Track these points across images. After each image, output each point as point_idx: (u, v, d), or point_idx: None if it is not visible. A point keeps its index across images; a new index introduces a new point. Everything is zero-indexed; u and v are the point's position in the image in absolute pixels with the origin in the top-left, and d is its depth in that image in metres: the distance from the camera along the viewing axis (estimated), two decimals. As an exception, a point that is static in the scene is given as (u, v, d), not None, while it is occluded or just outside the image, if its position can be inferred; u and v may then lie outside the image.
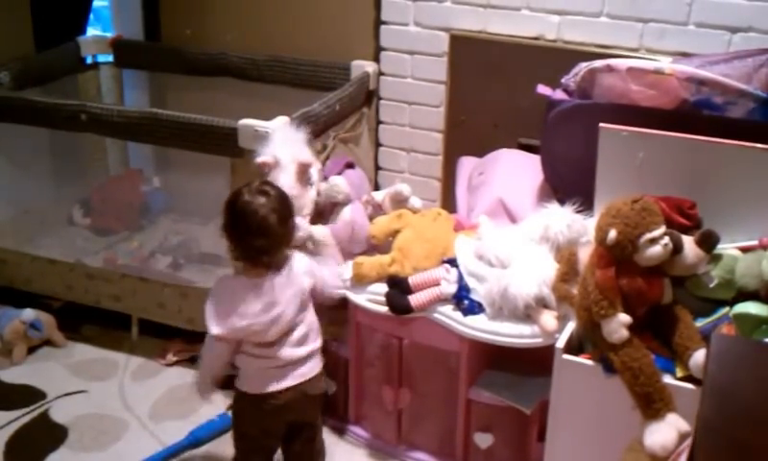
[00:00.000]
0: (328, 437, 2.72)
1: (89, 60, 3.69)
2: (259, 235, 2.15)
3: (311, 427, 2.39)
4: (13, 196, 3.31)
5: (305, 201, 2.55)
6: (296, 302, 2.24)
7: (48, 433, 2.73)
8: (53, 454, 2.63)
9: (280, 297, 2.21)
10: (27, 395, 2.90)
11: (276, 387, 2.24)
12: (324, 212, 2.70)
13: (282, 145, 2.52)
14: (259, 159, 2.50)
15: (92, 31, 3.87)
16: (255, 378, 2.26)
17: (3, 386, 2.95)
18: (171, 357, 3.07)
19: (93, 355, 3.13)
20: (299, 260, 2.29)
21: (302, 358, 2.27)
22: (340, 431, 2.74)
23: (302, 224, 2.50)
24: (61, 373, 3.03)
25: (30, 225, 3.36)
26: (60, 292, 3.20)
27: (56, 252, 3.22)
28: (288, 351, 2.24)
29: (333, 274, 2.47)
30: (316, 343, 2.31)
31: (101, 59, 3.71)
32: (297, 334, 2.25)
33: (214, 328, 2.19)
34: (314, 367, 2.30)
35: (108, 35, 3.77)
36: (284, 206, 2.20)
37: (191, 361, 3.06)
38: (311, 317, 2.30)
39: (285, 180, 2.46)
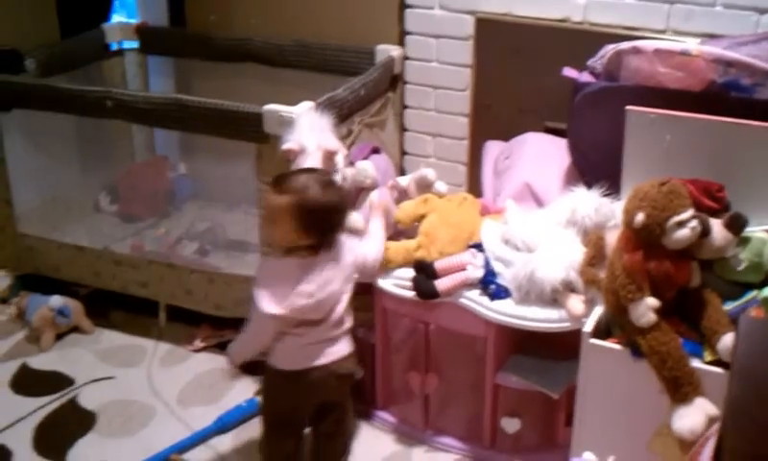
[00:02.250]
0: (355, 422, 2.73)
1: (114, 47, 3.70)
2: (339, 225, 2.27)
3: (341, 407, 2.42)
4: (40, 183, 3.33)
5: None
6: (343, 279, 2.29)
7: (76, 419, 2.75)
8: (81, 440, 2.66)
9: (333, 275, 2.25)
10: (55, 381, 2.93)
11: (311, 364, 2.27)
12: (350, 198, 2.70)
13: (308, 132, 2.52)
14: (285, 146, 2.50)
15: (117, 17, 3.89)
16: (292, 356, 2.28)
17: (32, 373, 2.99)
18: (198, 343, 3.09)
19: (121, 342, 3.15)
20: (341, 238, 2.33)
21: (338, 336, 2.30)
22: (367, 416, 2.75)
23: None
24: (89, 359, 3.05)
25: (57, 212, 3.38)
26: (88, 279, 3.22)
27: (83, 238, 3.25)
28: (328, 330, 2.28)
29: (373, 246, 2.49)
30: (348, 322, 2.34)
31: (126, 45, 3.72)
32: (337, 313, 2.29)
33: (272, 308, 2.20)
34: (346, 346, 2.34)
35: (133, 21, 3.78)
36: (340, 190, 2.29)
37: (218, 347, 3.08)
38: (347, 296, 2.33)
39: (311, 166, 2.46)
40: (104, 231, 3.37)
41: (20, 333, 3.19)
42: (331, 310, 2.27)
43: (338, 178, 2.54)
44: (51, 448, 2.62)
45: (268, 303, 2.20)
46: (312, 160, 2.47)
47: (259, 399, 2.40)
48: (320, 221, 2.21)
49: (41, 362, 3.04)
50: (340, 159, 2.56)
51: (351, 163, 2.71)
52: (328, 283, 2.25)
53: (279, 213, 2.21)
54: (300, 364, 2.28)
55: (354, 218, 2.58)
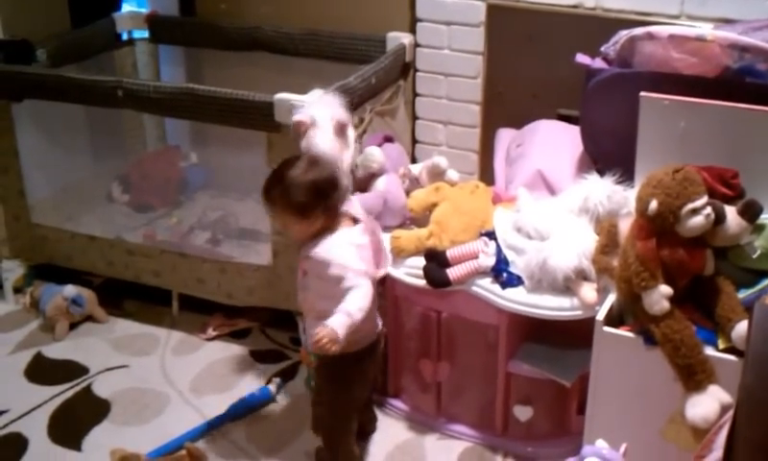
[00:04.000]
0: (367, 410, 2.74)
1: (125, 37, 3.70)
2: (336, 187, 2.22)
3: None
4: (53, 173, 3.34)
5: (344, 158, 2.51)
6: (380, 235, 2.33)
7: (91, 408, 2.77)
8: (96, 428, 2.67)
9: (374, 232, 2.29)
10: (70, 370, 2.95)
11: (378, 330, 2.32)
12: (361, 185, 2.70)
13: (319, 106, 2.51)
14: (296, 118, 2.48)
15: (127, 7, 3.89)
16: (371, 326, 2.29)
17: (46, 362, 3.00)
18: (211, 332, 3.10)
19: (134, 331, 3.16)
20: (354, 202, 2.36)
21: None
22: (379, 404, 2.75)
23: (342, 179, 2.48)
24: (103, 348, 3.07)
25: (69, 202, 3.39)
26: (101, 268, 3.23)
27: (96, 228, 3.26)
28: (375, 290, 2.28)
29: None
30: None
31: (136, 35, 3.72)
32: (389, 259, 2.34)
33: (373, 270, 2.22)
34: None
35: (144, 10, 3.78)
36: (322, 161, 2.27)
37: (231, 336, 3.09)
38: None
39: (323, 137, 2.44)
40: (116, 221, 3.38)
41: (34, 323, 3.20)
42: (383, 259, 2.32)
43: (349, 153, 2.52)
44: (66, 436, 2.64)
45: (364, 268, 2.19)
46: (324, 133, 2.45)
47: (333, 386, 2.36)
48: (321, 198, 2.19)
49: (56, 351, 3.05)
50: (351, 133, 2.54)
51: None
52: (378, 240, 2.30)
53: (283, 218, 2.23)
54: (373, 335, 2.30)
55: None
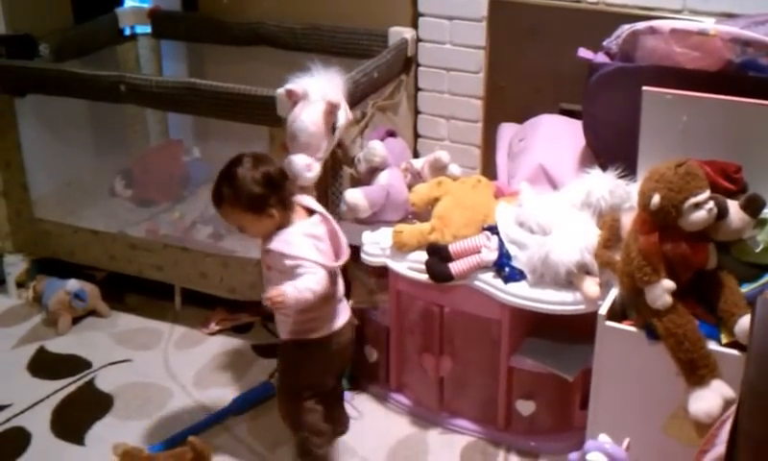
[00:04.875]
0: (370, 404, 2.74)
1: (127, 32, 3.70)
2: (286, 178, 2.23)
3: (348, 364, 2.49)
4: (56, 168, 3.34)
5: (323, 142, 2.49)
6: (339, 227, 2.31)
7: (94, 402, 2.77)
8: (99, 422, 2.68)
9: (330, 221, 2.28)
10: (73, 364, 2.95)
11: (343, 321, 2.31)
12: (363, 180, 2.70)
13: (315, 81, 2.49)
14: (288, 86, 2.47)
15: (130, 2, 3.88)
16: (323, 319, 2.28)
17: (49, 356, 3.01)
18: (214, 326, 3.10)
19: (137, 325, 3.17)
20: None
21: (341, 294, 2.34)
22: (382, 399, 2.75)
23: (314, 166, 2.45)
24: (106, 342, 3.07)
25: (72, 196, 3.40)
26: (104, 262, 3.24)
27: (98, 223, 3.26)
28: (340, 283, 2.31)
29: None
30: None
31: (139, 30, 3.72)
32: (347, 251, 2.30)
33: (328, 262, 2.21)
34: (346, 304, 2.38)
35: (146, 5, 3.77)
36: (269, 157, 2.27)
37: (233, 330, 3.09)
38: None
39: (308, 115, 2.41)
40: (119, 216, 3.38)
41: (37, 317, 3.21)
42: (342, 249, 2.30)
43: (336, 134, 2.52)
44: (69, 430, 2.65)
45: (320, 258, 2.18)
46: (312, 109, 2.43)
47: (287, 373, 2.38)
48: (272, 191, 2.18)
49: (59, 345, 3.06)
50: (341, 116, 2.52)
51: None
52: (335, 231, 2.28)
53: (240, 219, 2.22)
54: (334, 326, 2.29)
55: (355, 196, 2.61)
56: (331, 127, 2.48)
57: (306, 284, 2.14)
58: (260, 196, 2.16)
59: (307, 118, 2.42)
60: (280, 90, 2.64)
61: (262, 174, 2.17)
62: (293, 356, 2.32)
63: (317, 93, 2.45)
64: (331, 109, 2.45)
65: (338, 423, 2.50)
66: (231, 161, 2.22)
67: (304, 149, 2.45)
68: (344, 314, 2.34)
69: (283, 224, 2.22)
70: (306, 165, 2.44)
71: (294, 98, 2.46)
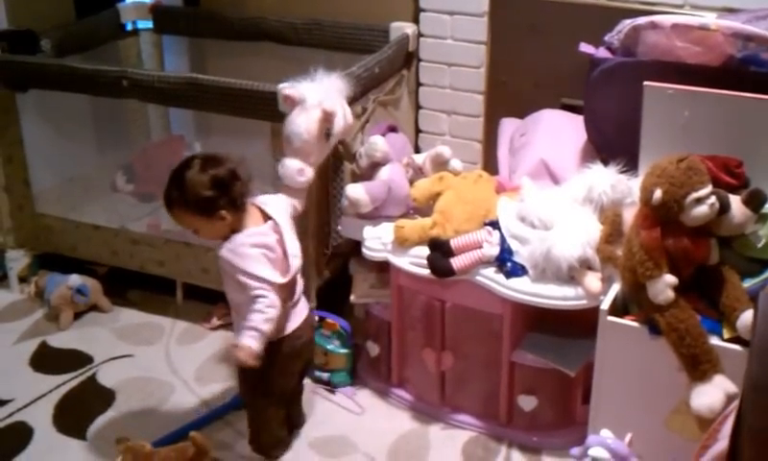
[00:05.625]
0: (371, 400, 2.75)
1: (129, 27, 3.70)
2: (236, 180, 2.21)
3: (310, 364, 2.52)
4: (58, 163, 3.34)
5: (316, 149, 2.49)
6: (292, 227, 2.32)
7: (96, 396, 2.78)
8: (101, 417, 2.68)
9: (283, 227, 2.27)
10: (75, 359, 2.96)
11: (296, 324, 2.32)
12: (365, 175, 2.70)
13: (314, 88, 2.50)
14: (285, 92, 2.48)
15: (132, -3, 3.89)
16: (285, 320, 2.29)
17: (51, 351, 3.01)
18: (215, 321, 3.11)
19: (139, 320, 3.17)
20: (273, 197, 2.36)
21: (300, 294, 2.37)
22: (383, 394, 2.76)
23: (307, 171, 2.46)
24: (108, 337, 3.07)
25: (74, 192, 3.40)
26: (105, 258, 3.24)
27: (100, 218, 3.26)
28: (297, 286, 2.34)
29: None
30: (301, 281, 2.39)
31: (140, 25, 3.72)
32: (294, 267, 2.30)
33: (277, 278, 2.20)
34: (306, 302, 2.41)
35: (148, 1, 3.77)
36: (220, 158, 2.25)
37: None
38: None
39: (303, 121, 2.42)
40: (121, 211, 3.39)
41: (39, 312, 3.21)
42: (290, 265, 2.29)
43: (331, 141, 2.52)
44: (71, 425, 2.65)
45: (270, 274, 2.19)
46: (307, 116, 2.44)
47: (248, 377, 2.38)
48: (221, 192, 2.18)
49: (60, 340, 3.06)
50: (337, 124, 2.52)
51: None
52: (283, 236, 2.27)
53: (191, 222, 2.24)
54: (289, 328, 2.31)
55: (356, 191, 2.60)
56: (326, 133, 2.49)
57: (261, 318, 2.17)
58: (209, 198, 2.17)
59: (302, 124, 2.44)
60: (282, 86, 2.64)
61: (211, 176, 2.18)
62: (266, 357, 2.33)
63: (314, 99, 2.46)
64: (326, 117, 2.46)
65: (295, 420, 2.58)
66: (181, 164, 2.24)
67: (298, 153, 2.47)
68: (299, 316, 2.35)
69: (236, 227, 2.23)
70: (299, 169, 2.45)
71: (290, 103, 2.47)
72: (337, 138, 2.57)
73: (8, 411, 2.70)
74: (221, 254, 2.23)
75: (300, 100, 2.45)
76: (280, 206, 2.35)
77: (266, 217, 2.30)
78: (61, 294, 3.12)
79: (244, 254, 2.20)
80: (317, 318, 2.68)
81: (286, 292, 2.28)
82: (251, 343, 2.16)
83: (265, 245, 2.22)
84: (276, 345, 2.29)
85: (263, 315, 2.17)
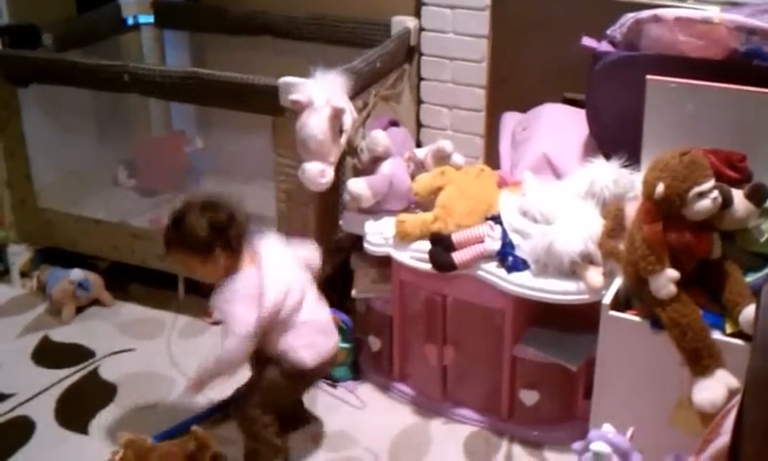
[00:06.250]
0: (373, 394, 2.74)
1: (130, 22, 3.70)
2: (233, 223, 2.26)
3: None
4: (59, 158, 3.34)
5: (333, 148, 2.53)
6: (295, 265, 2.36)
7: (98, 391, 2.78)
8: (103, 411, 2.68)
9: (265, 265, 2.28)
10: (76, 353, 2.95)
11: (316, 357, 2.34)
12: (366, 169, 2.69)
13: (319, 87, 2.50)
14: (292, 97, 2.49)
15: (133, -9, 3.89)
16: (309, 349, 2.32)
17: (53, 345, 3.01)
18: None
19: (140, 314, 3.17)
20: (271, 239, 2.39)
21: (329, 325, 2.42)
22: (384, 388, 2.75)
23: (327, 171, 2.52)
24: (110, 331, 3.07)
25: (76, 186, 3.39)
26: (107, 252, 3.24)
27: (101, 212, 3.26)
28: (317, 317, 2.37)
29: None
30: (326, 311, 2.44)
31: (142, 19, 3.72)
32: (310, 299, 2.35)
33: (248, 325, 2.22)
34: (334, 334, 2.44)
35: (149, -5, 3.78)
36: (218, 203, 2.30)
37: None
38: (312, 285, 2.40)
39: (315, 122, 2.46)
40: (122, 206, 3.38)
41: (41, 306, 3.21)
42: (303, 298, 2.32)
43: (342, 139, 2.54)
44: (73, 418, 2.65)
45: (246, 319, 2.22)
46: (318, 117, 2.45)
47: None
48: (219, 235, 2.23)
49: (62, 335, 3.06)
50: (347, 120, 2.54)
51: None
52: (281, 266, 2.30)
53: (189, 262, 2.29)
54: (317, 356, 2.33)
55: (359, 186, 2.60)
56: (338, 130, 2.49)
57: (214, 359, 2.26)
58: (205, 240, 2.22)
59: (314, 125, 2.46)
60: (283, 79, 2.64)
61: (208, 219, 2.23)
62: (266, 373, 2.36)
63: (321, 99, 2.47)
64: (336, 114, 2.48)
65: (301, 417, 2.61)
66: (181, 207, 2.29)
67: (315, 156, 2.49)
68: (320, 348, 2.36)
69: (232, 268, 2.27)
70: (320, 171, 2.50)
71: (299, 108, 2.48)
72: (348, 134, 2.58)
73: (10, 405, 2.70)
74: (214, 303, 2.29)
75: (307, 102, 2.46)
76: (275, 246, 2.38)
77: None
78: (63, 288, 3.12)
79: (227, 298, 2.26)
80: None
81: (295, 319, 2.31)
82: (202, 377, 2.29)
83: (247, 287, 2.25)
84: (288, 372, 2.33)
85: (219, 357, 2.26)
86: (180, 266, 2.36)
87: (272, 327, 2.27)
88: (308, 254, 2.47)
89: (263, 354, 2.34)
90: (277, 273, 2.28)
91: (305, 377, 2.39)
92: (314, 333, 2.34)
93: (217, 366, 2.28)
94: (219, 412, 2.66)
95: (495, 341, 2.49)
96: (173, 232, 2.27)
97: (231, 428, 2.59)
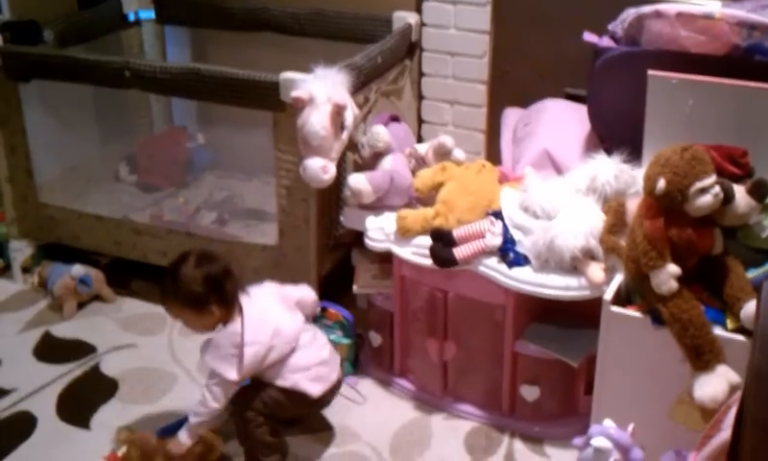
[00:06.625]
0: (374, 389, 2.75)
1: (131, 17, 3.69)
2: (228, 278, 2.29)
3: None
4: (61, 153, 3.34)
5: (335, 144, 2.53)
6: (282, 309, 2.39)
7: (99, 386, 2.78)
8: (104, 406, 2.69)
9: (265, 311, 2.34)
10: (78, 349, 2.96)
11: (320, 390, 2.39)
12: (367, 165, 2.69)
13: (320, 84, 2.50)
14: (294, 94, 2.49)
15: (134, -14, 3.89)
16: (315, 381, 2.37)
17: (54, 341, 3.02)
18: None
19: (142, 310, 3.17)
20: (258, 289, 2.42)
21: (329, 357, 2.44)
22: (385, 384, 2.76)
23: (329, 167, 2.52)
24: (111, 327, 3.08)
25: (77, 182, 3.40)
26: (108, 248, 3.24)
27: (103, 208, 3.26)
28: (317, 352, 2.41)
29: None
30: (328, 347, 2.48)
31: (143, 15, 3.72)
32: (305, 338, 2.39)
33: (233, 374, 2.26)
34: (336, 367, 2.48)
35: (150, -11, 3.78)
36: (213, 256, 2.34)
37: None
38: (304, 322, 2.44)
39: (317, 118, 2.46)
40: (123, 201, 3.38)
41: (43, 302, 3.22)
42: (295, 340, 2.36)
43: (343, 136, 2.53)
44: (74, 414, 2.65)
45: (228, 372, 2.26)
46: (320, 113, 2.46)
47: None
48: (213, 290, 2.26)
49: (64, 330, 3.07)
50: (349, 116, 2.54)
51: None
52: (264, 323, 2.31)
53: (184, 315, 2.31)
54: (323, 387, 2.38)
55: (359, 181, 2.60)
56: (340, 126, 2.49)
57: (194, 413, 2.31)
58: (200, 295, 2.25)
59: (316, 122, 2.46)
60: (284, 75, 2.64)
61: (203, 274, 2.25)
62: (269, 388, 2.37)
63: (322, 95, 2.47)
64: (338, 110, 2.48)
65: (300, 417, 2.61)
66: (177, 259, 2.32)
67: (317, 152, 2.49)
68: (323, 382, 2.40)
69: (225, 320, 2.30)
70: (321, 168, 2.50)
71: (300, 104, 2.48)
72: (350, 130, 2.58)
73: (11, 400, 2.71)
74: (202, 358, 2.32)
75: (309, 99, 2.46)
76: (263, 295, 2.40)
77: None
78: (65, 284, 3.12)
79: (210, 352, 2.30)
80: (320, 308, 2.68)
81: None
82: (181, 437, 2.32)
83: (229, 343, 2.28)
84: (296, 400, 2.36)
85: (198, 411, 2.31)
86: (177, 320, 2.39)
87: (265, 369, 2.33)
88: (303, 294, 2.50)
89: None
90: (259, 331, 2.30)
91: (311, 405, 2.42)
92: (317, 366, 2.38)
93: (199, 418, 2.31)
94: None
95: (496, 336, 2.49)
96: (169, 284, 2.29)
97: (232, 423, 2.59)
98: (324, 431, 2.57)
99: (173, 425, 2.52)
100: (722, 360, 2.03)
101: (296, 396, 2.35)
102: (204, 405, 2.30)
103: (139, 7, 3.69)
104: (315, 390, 2.36)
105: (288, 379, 2.34)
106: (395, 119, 2.82)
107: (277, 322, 2.34)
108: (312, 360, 2.38)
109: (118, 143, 3.60)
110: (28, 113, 3.17)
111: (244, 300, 2.33)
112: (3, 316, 3.15)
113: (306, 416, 2.59)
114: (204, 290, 2.25)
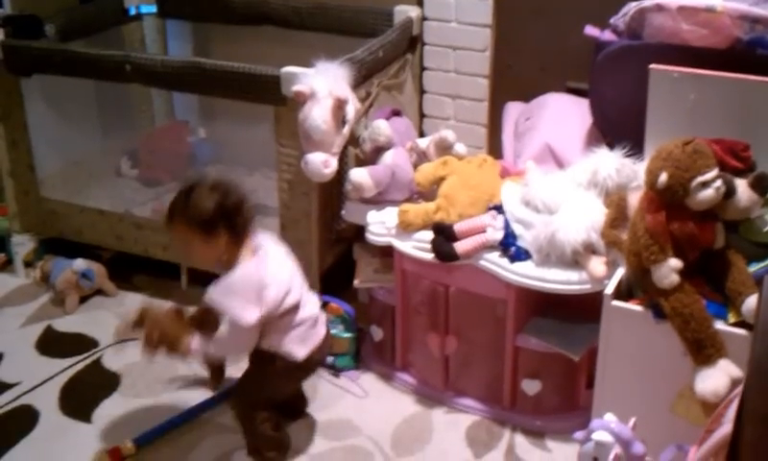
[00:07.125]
0: (376, 383, 2.75)
1: (133, 12, 3.69)
2: (241, 209, 2.22)
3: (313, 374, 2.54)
4: (62, 148, 3.34)
5: (336, 138, 2.54)
6: (283, 261, 2.33)
7: (101, 380, 2.78)
8: (106, 400, 2.69)
9: (279, 256, 2.29)
10: (80, 343, 2.96)
11: (314, 346, 2.34)
12: (368, 159, 2.69)
13: (321, 78, 2.50)
14: (295, 88, 2.49)
15: (135, -20, 3.89)
16: (302, 344, 2.31)
17: (57, 335, 3.02)
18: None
19: (144, 304, 3.16)
20: (270, 237, 2.36)
21: (318, 316, 2.38)
22: (387, 378, 2.76)
23: (331, 162, 2.52)
24: (113, 321, 3.07)
25: (79, 176, 3.40)
26: (110, 242, 3.24)
27: (105, 202, 3.26)
28: (311, 309, 2.35)
29: None
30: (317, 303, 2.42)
31: (144, 9, 3.71)
32: (306, 291, 2.34)
33: (252, 316, 2.18)
34: (324, 324, 2.41)
35: (151, -15, 3.77)
36: (230, 186, 2.26)
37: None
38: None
39: (318, 113, 2.46)
40: (125, 196, 3.39)
41: (45, 296, 3.22)
42: (301, 290, 2.31)
43: (345, 129, 2.53)
44: (76, 408, 2.66)
45: (246, 313, 2.18)
46: (321, 107, 2.46)
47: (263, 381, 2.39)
48: (224, 218, 2.19)
49: (66, 324, 3.07)
50: (350, 110, 2.55)
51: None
52: (283, 264, 2.27)
53: (189, 238, 2.22)
54: (308, 349, 2.32)
55: (360, 175, 2.60)
56: (341, 121, 2.49)
57: (224, 344, 2.25)
58: (211, 218, 2.17)
59: (318, 116, 2.46)
60: (285, 69, 2.64)
61: (218, 198, 2.19)
62: (262, 367, 2.35)
63: (324, 90, 2.47)
64: (339, 105, 2.48)
65: (298, 405, 2.60)
66: (193, 181, 2.26)
67: (318, 146, 2.49)
68: (311, 342, 2.34)
69: (231, 256, 2.23)
70: (323, 161, 2.50)
71: (302, 99, 2.48)
72: (352, 125, 2.58)
73: (14, 394, 2.71)
74: (207, 299, 2.24)
75: (310, 93, 2.46)
76: (276, 243, 2.35)
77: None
78: (67, 278, 3.13)
79: (226, 290, 2.21)
80: (321, 301, 2.68)
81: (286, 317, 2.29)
82: (194, 345, 2.27)
83: (248, 280, 2.21)
84: (283, 367, 2.32)
85: (217, 342, 2.25)
86: (179, 243, 2.30)
87: (268, 324, 2.26)
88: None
89: (256, 350, 2.32)
90: (280, 270, 2.26)
91: (300, 370, 2.38)
92: (306, 329, 2.33)
93: (221, 348, 2.28)
94: (218, 403, 2.66)
95: (498, 331, 2.49)
96: (180, 203, 2.22)
97: (232, 418, 2.60)
98: (325, 425, 2.57)
99: (149, 433, 2.52)
100: (723, 354, 2.03)
101: (283, 364, 2.29)
102: (218, 347, 2.26)
103: (140, 1, 3.69)
104: (299, 353, 2.30)
105: (277, 340, 2.27)
106: (396, 113, 2.82)
107: (291, 272, 2.31)
108: (306, 319, 2.32)
109: (120, 138, 3.60)
110: (29, 108, 3.17)
111: (260, 240, 2.28)
112: (5, 310, 3.15)
113: (305, 411, 2.61)
114: (216, 214, 2.17)
